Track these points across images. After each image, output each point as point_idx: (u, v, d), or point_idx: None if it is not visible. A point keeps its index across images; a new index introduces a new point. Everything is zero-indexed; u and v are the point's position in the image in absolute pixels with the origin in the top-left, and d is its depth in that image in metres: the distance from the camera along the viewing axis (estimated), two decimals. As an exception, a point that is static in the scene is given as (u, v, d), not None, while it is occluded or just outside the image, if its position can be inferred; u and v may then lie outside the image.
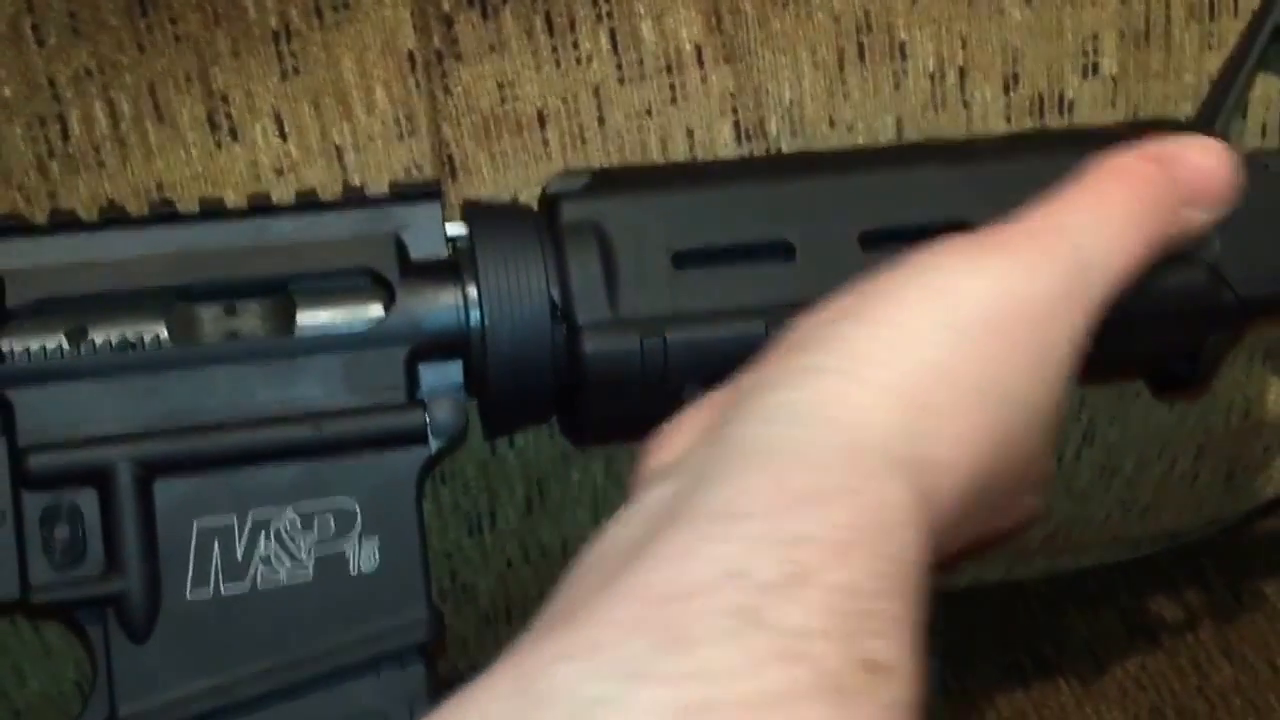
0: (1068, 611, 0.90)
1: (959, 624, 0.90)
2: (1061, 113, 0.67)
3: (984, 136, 0.66)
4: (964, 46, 0.66)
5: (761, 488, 0.39)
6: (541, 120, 0.64)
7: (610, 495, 0.70)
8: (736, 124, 0.65)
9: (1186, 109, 0.69)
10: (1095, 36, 0.67)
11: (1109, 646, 0.89)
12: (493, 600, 0.72)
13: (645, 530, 0.39)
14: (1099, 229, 0.48)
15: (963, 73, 0.67)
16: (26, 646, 0.65)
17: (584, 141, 0.65)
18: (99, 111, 0.61)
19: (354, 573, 0.54)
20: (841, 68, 0.66)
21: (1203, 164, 0.51)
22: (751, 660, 0.35)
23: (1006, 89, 0.67)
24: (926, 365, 0.43)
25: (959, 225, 0.57)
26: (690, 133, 0.65)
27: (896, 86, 0.66)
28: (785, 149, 0.66)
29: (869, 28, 0.66)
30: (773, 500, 0.38)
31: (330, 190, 0.59)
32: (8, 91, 0.60)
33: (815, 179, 0.58)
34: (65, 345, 0.53)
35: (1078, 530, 0.80)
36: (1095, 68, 0.67)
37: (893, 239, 0.57)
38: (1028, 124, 0.67)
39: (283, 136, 0.62)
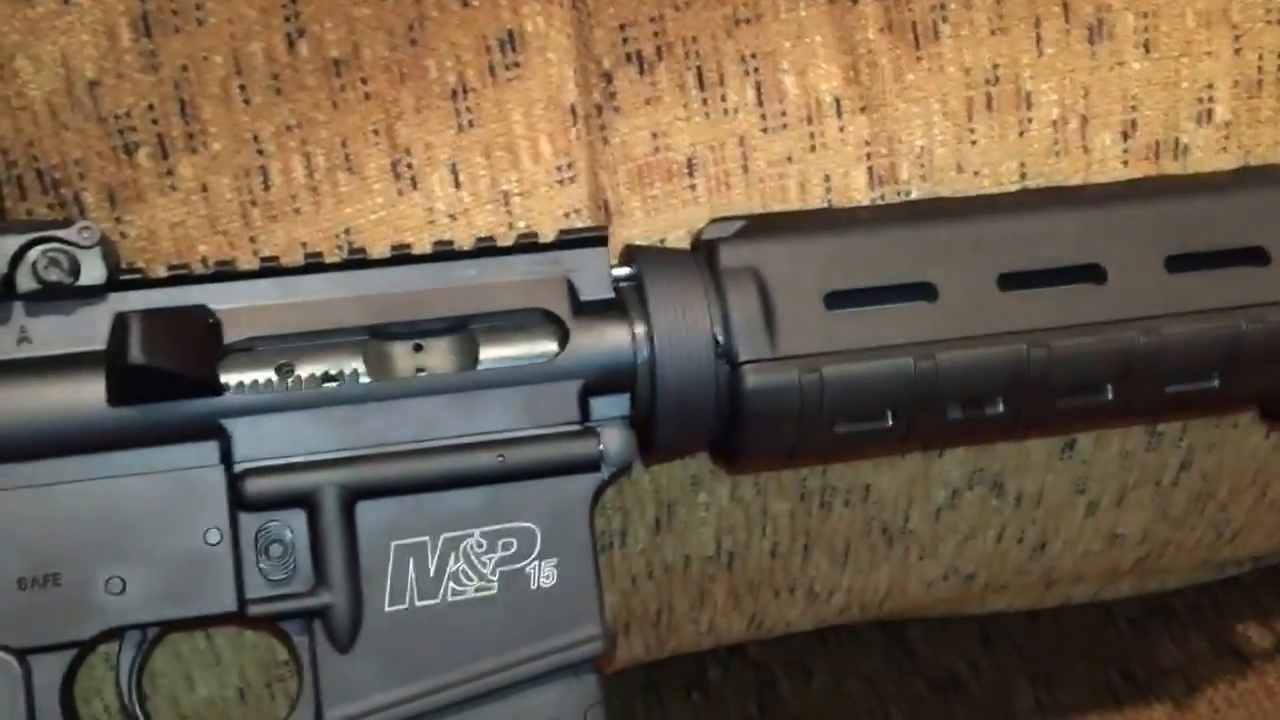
0: (1156, 633, 0.93)
1: (1050, 643, 0.93)
2: (1176, 157, 0.71)
3: (1107, 182, 0.69)
4: (1085, 95, 0.70)
5: None
6: (690, 168, 0.69)
7: (732, 516, 0.75)
8: (870, 169, 0.70)
9: (1297, 154, 0.73)
10: (1210, 85, 0.71)
11: (1199, 667, 0.91)
12: (615, 615, 0.76)
13: None
14: None
15: (1084, 120, 0.70)
16: (199, 656, 0.71)
17: (728, 187, 0.69)
18: (296, 163, 0.66)
19: (534, 589, 0.58)
20: (970, 116, 0.70)
21: None
22: None
23: (1125, 135, 0.71)
24: None
25: (1090, 267, 0.62)
26: (827, 178, 0.70)
27: (1021, 134, 0.70)
28: (915, 193, 0.70)
29: (996, 79, 0.70)
30: None
31: (497, 233, 0.64)
32: (217, 146, 0.66)
33: (955, 223, 0.62)
34: (275, 379, 0.58)
35: (1170, 554, 0.84)
36: (1209, 114, 0.71)
37: (1028, 280, 0.61)
38: (1144, 169, 0.71)
39: (457, 184, 0.67)
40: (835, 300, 0.60)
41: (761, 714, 0.88)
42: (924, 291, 0.61)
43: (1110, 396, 0.61)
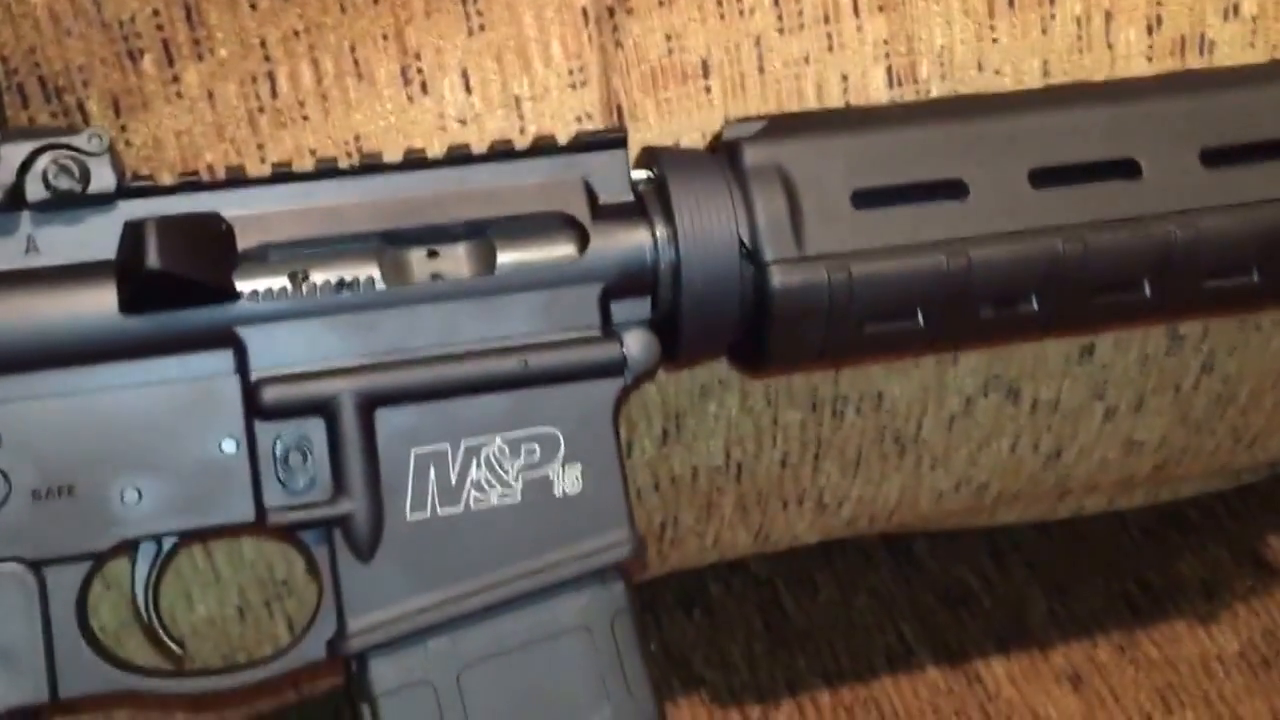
0: (1173, 542, 0.92)
1: (1062, 554, 0.92)
2: (1202, 53, 0.70)
3: (1139, 77, 0.68)
4: (1109, -10, 0.69)
5: None
6: (705, 70, 0.68)
7: (742, 426, 0.74)
8: (889, 69, 0.69)
9: (1325, 48, 0.71)
10: (1237, -21, 0.70)
11: (1216, 574, 0.90)
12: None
13: None
14: None
15: (1108, 16, 0.69)
16: (199, 574, 0.70)
17: (744, 89, 0.68)
18: (304, 69, 0.65)
19: (559, 495, 0.58)
20: (991, 13, 0.69)
21: None
22: None
23: (1150, 31, 0.69)
24: None
25: (1123, 162, 0.61)
26: (845, 78, 0.68)
27: (1044, 31, 0.69)
28: (935, 93, 0.69)
29: (1018, -26, 0.69)
30: None
31: (509, 138, 0.63)
32: (224, 52, 0.64)
33: (985, 119, 0.61)
34: (289, 286, 0.57)
35: (1187, 461, 0.83)
36: (1236, 9, 0.70)
37: (1061, 176, 0.60)
38: (1169, 65, 0.69)
39: (467, 89, 0.66)
40: (863, 199, 0.59)
41: (767, 630, 0.87)
42: (954, 189, 0.60)
43: (1147, 293, 0.61)
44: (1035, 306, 0.61)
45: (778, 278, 0.58)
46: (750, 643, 0.87)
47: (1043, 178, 0.60)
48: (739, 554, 0.82)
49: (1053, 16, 0.69)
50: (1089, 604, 0.90)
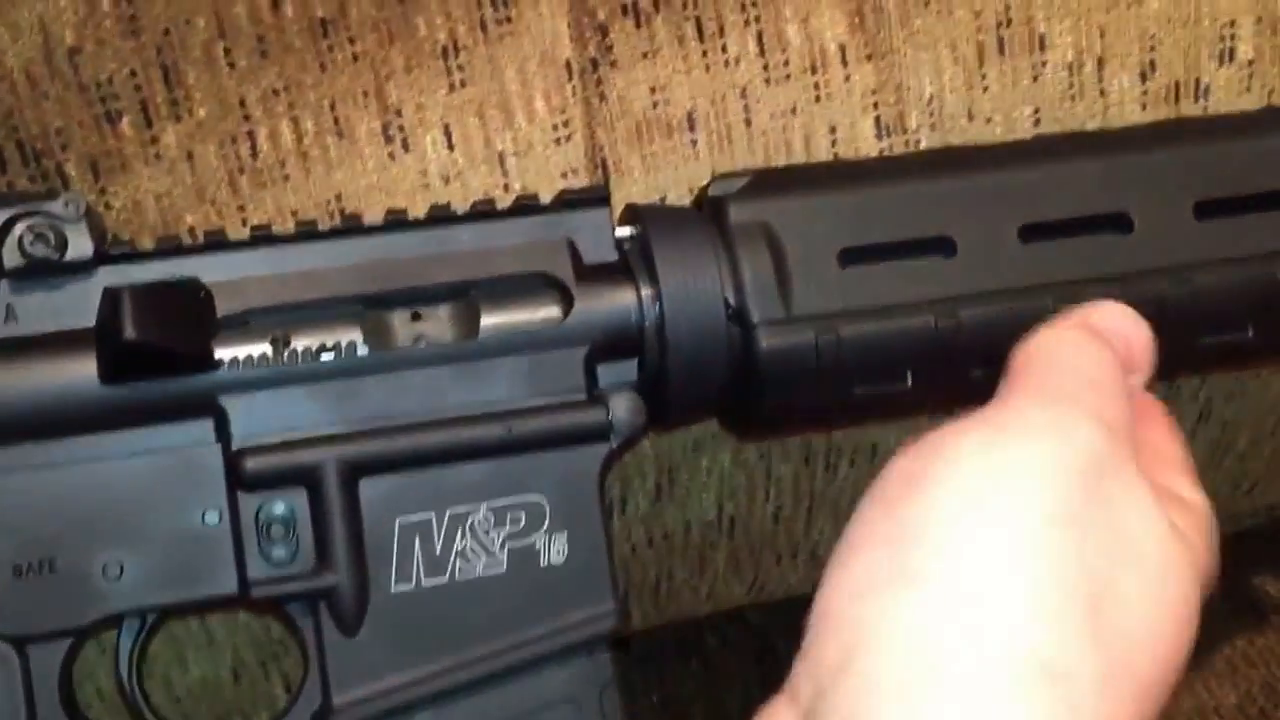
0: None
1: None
2: (1197, 99, 0.69)
3: (1130, 126, 0.67)
4: (1102, 36, 0.68)
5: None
6: (691, 122, 0.67)
7: (734, 480, 0.73)
8: (878, 119, 0.68)
9: (1321, 92, 0.70)
10: (1232, 23, 0.68)
11: (1215, 623, 0.87)
12: (614, 585, 0.75)
13: None
14: (1096, 395, 0.47)
15: (1101, 62, 0.68)
16: (192, 636, 0.69)
17: (730, 142, 0.67)
18: (285, 128, 0.64)
19: (544, 565, 0.57)
20: (981, 61, 0.68)
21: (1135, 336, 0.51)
22: None
23: (1144, 77, 0.69)
24: (1036, 572, 0.43)
25: (1115, 216, 0.60)
26: (833, 129, 0.67)
27: (1035, 78, 0.68)
28: (925, 143, 0.68)
29: (1009, 22, 0.68)
30: None
31: (493, 195, 0.62)
32: (202, 112, 0.63)
33: (972, 174, 0.60)
34: (270, 352, 0.56)
35: (1186, 506, 0.82)
36: (1231, 54, 0.69)
37: (1051, 231, 0.59)
38: (1164, 112, 0.69)
39: (450, 146, 0.65)
40: (850, 257, 0.58)
41: (763, 679, 0.86)
42: (942, 246, 0.59)
43: None
44: None
45: (764, 340, 0.57)
46: (748, 692, 0.86)
47: (1032, 233, 0.59)
48: (734, 605, 0.81)
49: (1044, 63, 0.68)
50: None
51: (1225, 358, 0.62)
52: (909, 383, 0.59)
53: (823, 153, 0.68)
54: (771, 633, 0.88)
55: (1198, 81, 0.69)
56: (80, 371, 0.55)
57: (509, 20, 0.65)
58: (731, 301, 0.58)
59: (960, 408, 0.70)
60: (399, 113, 0.64)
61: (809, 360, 0.57)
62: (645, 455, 0.70)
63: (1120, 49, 0.68)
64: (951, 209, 0.59)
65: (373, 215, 0.59)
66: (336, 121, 0.64)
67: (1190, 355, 0.60)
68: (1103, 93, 0.69)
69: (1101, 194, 0.59)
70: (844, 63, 0.67)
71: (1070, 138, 0.65)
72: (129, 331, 0.53)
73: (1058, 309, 0.58)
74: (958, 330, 0.58)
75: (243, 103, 0.64)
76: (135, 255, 0.57)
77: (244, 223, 0.64)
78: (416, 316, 0.58)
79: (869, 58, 0.67)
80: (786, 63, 0.67)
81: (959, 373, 0.59)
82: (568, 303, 0.58)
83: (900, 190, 0.59)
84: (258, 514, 0.56)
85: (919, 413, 0.70)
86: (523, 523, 0.57)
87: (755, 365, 0.57)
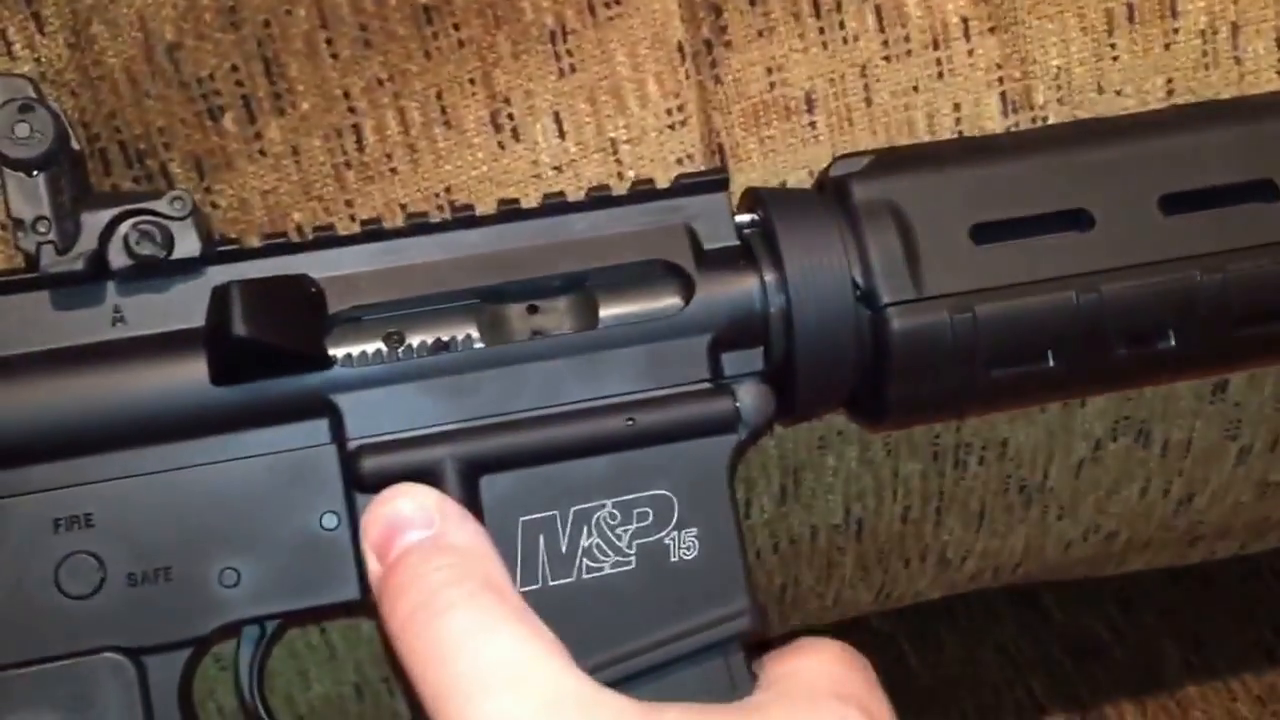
0: (1310, 586, 0.88)
1: (1194, 602, 0.89)
2: (1339, 64, 0.66)
3: (1270, 92, 0.64)
4: (1235, 1, 0.65)
5: None
6: (809, 103, 0.64)
7: (861, 481, 0.70)
8: (1003, 95, 0.65)
9: None
10: (1375, -18, 0.65)
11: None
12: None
13: None
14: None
15: (1235, 28, 0.65)
16: (314, 652, 0.68)
17: (851, 122, 0.65)
18: (390, 120, 0.62)
19: (675, 561, 0.54)
20: (1110, 30, 0.65)
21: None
22: None
23: (1279, 43, 0.66)
24: None
25: (1259, 184, 0.57)
26: (957, 106, 0.65)
27: (1167, 47, 0.65)
28: (1053, 118, 0.65)
29: (1138, -12, 0.65)
30: None
31: (607, 184, 0.60)
32: (306, 105, 0.62)
33: (1107, 145, 0.57)
34: (384, 349, 0.55)
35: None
36: (1374, 15, 0.66)
37: (1193, 201, 0.56)
38: (1304, 78, 0.66)
39: (561, 134, 0.63)
40: (982, 233, 0.56)
41: (892, 688, 0.84)
42: (1078, 219, 0.56)
43: None
44: (1173, 343, 0.57)
45: (896, 321, 0.55)
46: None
47: (1174, 204, 0.56)
48: (859, 612, 0.78)
49: (1176, 31, 0.65)
50: (1224, 654, 0.86)
51: None
52: (1050, 362, 0.56)
53: (946, 132, 0.65)
54: (899, 638, 0.86)
55: (1342, 45, 0.66)
56: (190, 373, 0.54)
57: (618, 2, 0.63)
58: (860, 283, 0.55)
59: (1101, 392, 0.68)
60: (507, 100, 0.63)
61: (943, 341, 0.55)
62: (769, 456, 0.68)
63: (1254, 14, 0.65)
64: (1087, 181, 0.56)
65: (484, 207, 0.58)
66: (444, 111, 0.62)
67: None
68: (1238, 60, 0.65)
69: (1244, 162, 0.57)
70: (966, 36, 0.64)
71: (1206, 105, 0.63)
72: (238, 327, 0.52)
73: (1205, 281, 0.55)
74: (1100, 306, 0.55)
75: (347, 94, 0.62)
76: (243, 253, 0.55)
77: (352, 218, 0.62)
78: (533, 309, 0.56)
79: (992, 30, 0.64)
80: (907, 38, 0.64)
81: (1103, 351, 0.57)
82: (689, 290, 0.55)
83: (1032, 163, 0.57)
84: None
85: (1058, 398, 0.68)
86: (651, 518, 0.54)
87: (886, 348, 0.55)
